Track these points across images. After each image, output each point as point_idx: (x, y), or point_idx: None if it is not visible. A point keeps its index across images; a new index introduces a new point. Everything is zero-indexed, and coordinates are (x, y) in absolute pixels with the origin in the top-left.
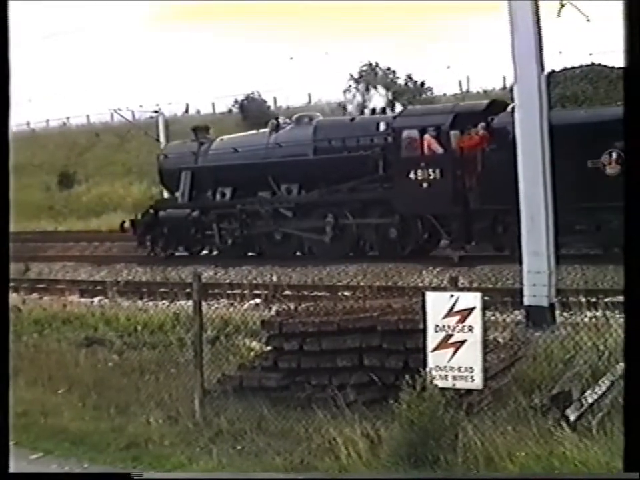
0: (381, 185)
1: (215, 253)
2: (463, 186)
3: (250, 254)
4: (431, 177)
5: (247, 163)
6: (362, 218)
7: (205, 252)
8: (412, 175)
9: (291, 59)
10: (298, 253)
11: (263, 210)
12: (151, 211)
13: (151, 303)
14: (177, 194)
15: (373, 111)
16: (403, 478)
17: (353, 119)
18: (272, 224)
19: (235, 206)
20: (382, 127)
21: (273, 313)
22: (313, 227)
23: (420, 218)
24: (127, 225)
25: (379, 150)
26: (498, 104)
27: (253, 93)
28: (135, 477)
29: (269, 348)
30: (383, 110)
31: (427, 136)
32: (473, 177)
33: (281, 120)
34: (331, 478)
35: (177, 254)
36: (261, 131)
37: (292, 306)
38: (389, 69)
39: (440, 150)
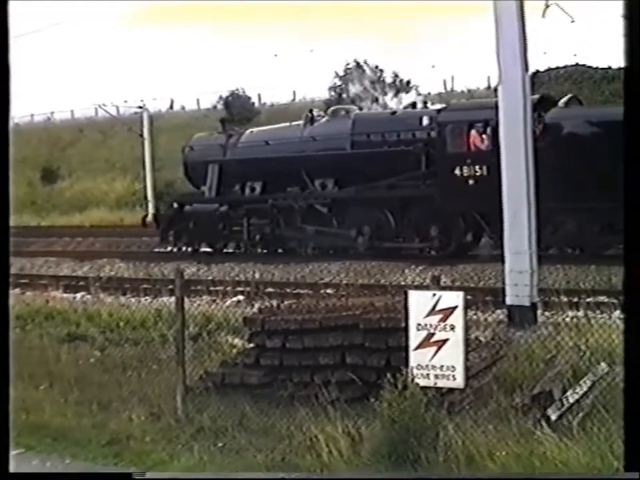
0: (423, 181)
1: (242, 249)
2: None
3: (280, 250)
4: (478, 174)
5: (280, 157)
6: (402, 215)
7: (229, 249)
8: (457, 171)
9: (275, 55)
10: (331, 251)
11: (297, 205)
12: (175, 205)
13: (133, 299)
14: (204, 188)
15: (414, 105)
16: (401, 478)
17: (394, 113)
18: (306, 220)
19: (267, 201)
20: (425, 121)
21: (255, 310)
22: (349, 224)
23: (463, 216)
24: (149, 219)
25: (422, 145)
26: (547, 99)
27: (237, 90)
28: (136, 477)
29: (251, 345)
30: (413, 104)
31: (474, 131)
32: None
33: (315, 112)
34: (331, 478)
35: (200, 250)
36: (294, 123)
37: (274, 303)
38: (376, 67)
39: (488, 145)
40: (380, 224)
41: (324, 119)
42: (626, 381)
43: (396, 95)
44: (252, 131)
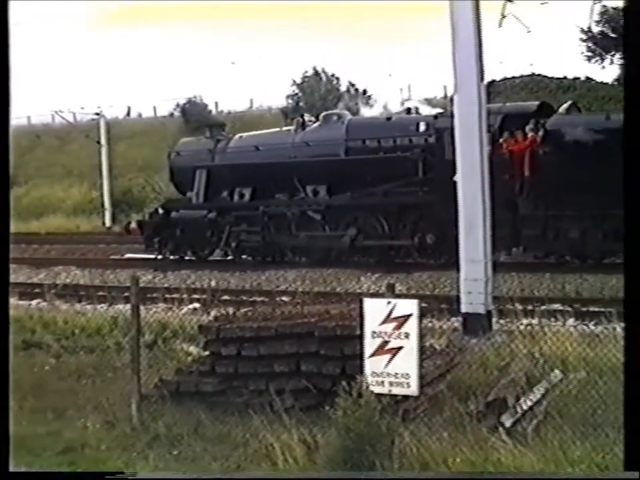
0: (421, 188)
1: (229, 257)
2: (512, 190)
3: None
4: None
5: (271, 162)
6: (397, 222)
7: (217, 257)
8: (456, 178)
9: (233, 63)
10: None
11: (289, 212)
12: (160, 211)
13: (89, 307)
14: (190, 194)
15: (408, 110)
16: (401, 478)
17: (389, 118)
18: (298, 227)
19: (258, 207)
20: (422, 127)
21: (211, 317)
22: (343, 232)
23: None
24: (133, 225)
25: (419, 151)
26: (548, 105)
27: (194, 97)
28: (137, 477)
29: (206, 353)
30: (407, 110)
31: None
32: (523, 181)
33: (306, 117)
34: (331, 477)
35: (186, 258)
36: (285, 128)
37: (230, 311)
38: (333, 75)
39: (488, 151)
40: (375, 231)
41: (315, 125)
42: (626, 382)
43: (353, 103)
44: (241, 136)
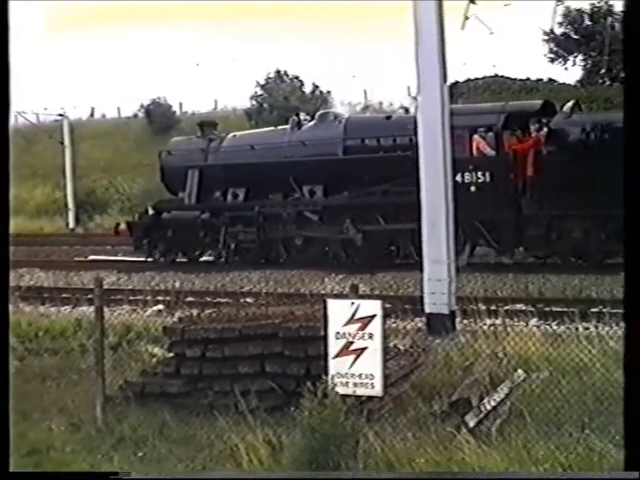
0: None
1: (222, 258)
2: (515, 190)
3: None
4: (481, 180)
5: (266, 162)
6: (396, 222)
7: (209, 258)
8: (459, 178)
9: (197, 64)
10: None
11: (285, 213)
12: (151, 212)
13: (53, 309)
14: (182, 194)
15: (406, 110)
16: (401, 478)
17: (388, 117)
18: (294, 228)
19: (253, 208)
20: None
21: (175, 319)
22: (341, 233)
23: (462, 224)
24: (122, 227)
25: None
26: (551, 104)
27: (158, 98)
28: (137, 477)
29: (171, 354)
30: (406, 109)
31: (476, 136)
32: (527, 181)
33: (301, 116)
34: (331, 478)
35: (177, 260)
36: (280, 127)
37: (194, 312)
38: (296, 77)
39: (491, 151)
40: (373, 232)
41: (311, 123)
42: (626, 382)
43: (317, 105)
44: (235, 135)
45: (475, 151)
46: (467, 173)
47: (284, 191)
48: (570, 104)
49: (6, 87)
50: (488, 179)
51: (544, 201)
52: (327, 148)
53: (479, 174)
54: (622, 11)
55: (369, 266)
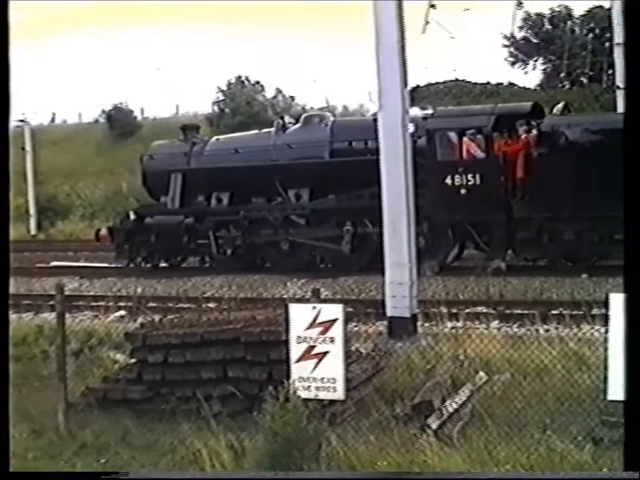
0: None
1: (207, 264)
2: (506, 193)
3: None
4: (470, 183)
5: (251, 165)
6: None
7: (193, 264)
8: (448, 181)
9: (158, 69)
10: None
11: (272, 217)
12: (132, 217)
13: (14, 315)
14: (165, 198)
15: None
16: (401, 478)
17: (375, 120)
18: (280, 232)
19: (238, 212)
20: (411, 128)
21: (137, 325)
22: (329, 237)
23: (451, 227)
24: (103, 232)
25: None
26: (540, 107)
27: (120, 103)
28: (137, 477)
29: (133, 360)
30: None
31: (465, 138)
32: (518, 183)
33: (286, 119)
34: (332, 478)
35: (161, 265)
36: (264, 130)
37: (156, 318)
38: (257, 82)
39: (481, 154)
40: (361, 236)
41: (296, 126)
42: (626, 382)
43: (279, 110)
44: (218, 139)
45: (464, 154)
46: (456, 176)
47: (269, 195)
48: (560, 106)
49: (6, 87)
50: (478, 181)
51: (535, 203)
52: (313, 151)
53: (469, 176)
54: (622, 11)
55: (358, 270)
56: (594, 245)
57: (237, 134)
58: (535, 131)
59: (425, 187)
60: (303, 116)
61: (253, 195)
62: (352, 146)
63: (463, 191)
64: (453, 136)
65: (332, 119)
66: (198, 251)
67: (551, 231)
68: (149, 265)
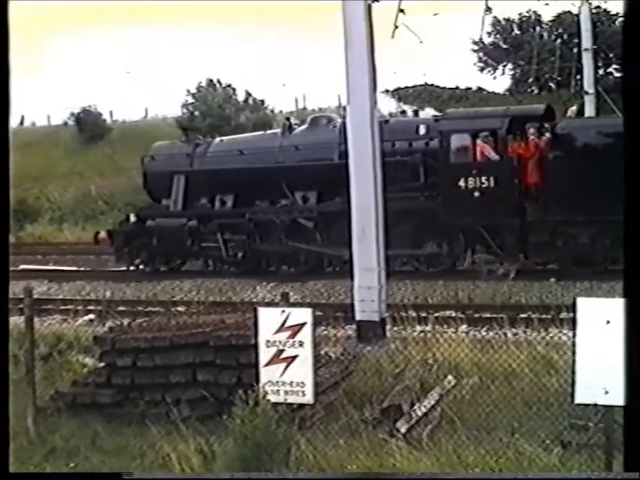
0: (421, 193)
1: (210, 267)
2: (520, 195)
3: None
4: (484, 185)
5: (257, 167)
6: (395, 229)
7: (194, 267)
8: (462, 183)
9: (128, 72)
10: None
11: (279, 220)
12: (133, 219)
13: None
14: (167, 201)
15: (402, 113)
16: (400, 478)
17: (386, 121)
18: (288, 235)
19: (244, 215)
20: (422, 130)
21: (106, 328)
22: (336, 239)
23: (462, 230)
24: (102, 235)
25: (420, 155)
26: (552, 109)
27: (89, 106)
28: (137, 477)
29: (102, 364)
30: (402, 113)
31: (479, 140)
32: (532, 186)
33: (292, 121)
34: (333, 478)
35: (162, 269)
36: (270, 132)
37: (125, 322)
38: (229, 85)
39: (495, 156)
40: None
41: (303, 128)
42: (626, 383)
43: (250, 113)
44: (222, 140)
45: (478, 156)
46: (470, 178)
47: (274, 197)
48: (574, 108)
49: (6, 87)
50: (492, 184)
51: (550, 206)
52: (322, 153)
53: (483, 179)
54: (622, 15)
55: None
56: (606, 249)
57: (242, 135)
58: (548, 134)
59: (436, 188)
60: (310, 117)
61: (258, 197)
62: None
63: (476, 194)
64: (467, 138)
65: (340, 120)
66: (202, 254)
67: (565, 234)
68: (148, 269)
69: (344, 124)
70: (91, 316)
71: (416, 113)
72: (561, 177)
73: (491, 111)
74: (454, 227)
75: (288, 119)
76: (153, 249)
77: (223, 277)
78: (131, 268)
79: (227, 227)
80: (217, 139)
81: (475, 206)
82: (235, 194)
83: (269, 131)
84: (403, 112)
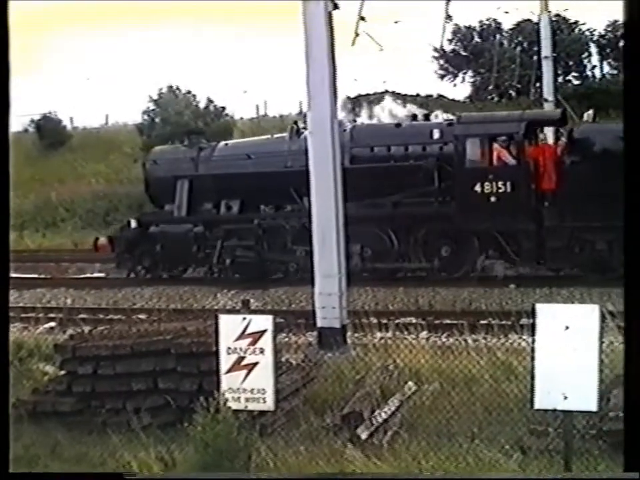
0: (435, 198)
1: (215, 274)
2: (537, 200)
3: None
4: (501, 190)
5: (264, 172)
6: (407, 234)
7: (198, 274)
8: (478, 188)
9: (88, 79)
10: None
11: (288, 225)
12: (134, 225)
13: None
14: (170, 206)
15: (414, 117)
16: (402, 478)
17: (398, 125)
18: (297, 241)
19: (252, 220)
20: (436, 134)
21: (66, 336)
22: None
23: (478, 235)
24: (102, 241)
25: (434, 160)
26: (567, 114)
27: (49, 113)
28: (137, 477)
29: (62, 372)
30: (414, 116)
31: (496, 145)
32: (549, 191)
33: (300, 124)
34: (332, 478)
35: (164, 276)
36: (277, 136)
37: (86, 329)
38: (189, 92)
39: (512, 160)
40: (381, 244)
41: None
42: (626, 383)
43: (210, 119)
44: (227, 144)
45: (494, 160)
46: (486, 183)
47: (282, 202)
48: (591, 112)
49: (6, 87)
50: (509, 189)
51: (567, 212)
52: None
53: (500, 183)
54: (623, 19)
55: (369, 280)
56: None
57: (247, 139)
58: (564, 138)
59: (451, 193)
60: None
61: (265, 202)
62: (374, 152)
63: (493, 199)
64: (484, 142)
65: (349, 123)
66: (207, 260)
67: (582, 240)
68: (149, 276)
69: (354, 127)
70: (52, 324)
71: (427, 117)
72: (577, 182)
73: (507, 115)
74: (468, 231)
75: (295, 122)
76: (157, 256)
77: (184, 284)
78: (132, 275)
79: (234, 232)
80: (222, 143)
81: (491, 211)
82: (242, 199)
83: (276, 135)
84: (414, 116)
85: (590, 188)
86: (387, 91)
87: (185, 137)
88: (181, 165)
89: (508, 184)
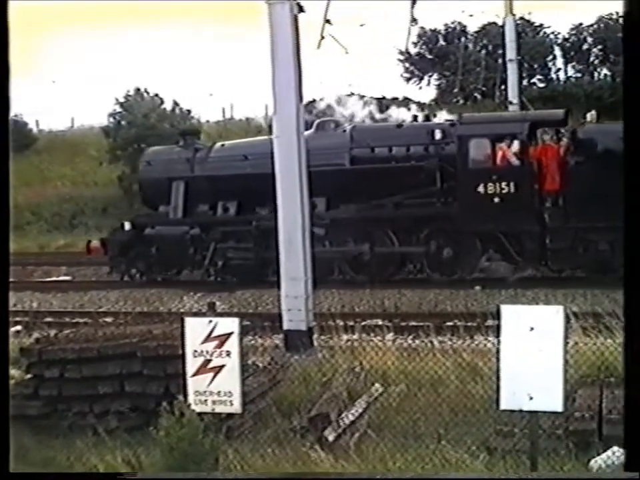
0: (438, 199)
1: (212, 276)
2: (541, 201)
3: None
4: (505, 191)
5: (262, 173)
6: (409, 235)
7: (195, 277)
8: (481, 189)
9: (54, 82)
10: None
11: None
12: (127, 227)
13: None
14: (165, 208)
15: (414, 118)
16: (402, 478)
17: (399, 126)
18: None
19: (250, 222)
20: (438, 135)
21: (32, 340)
22: (350, 247)
23: (480, 236)
24: (94, 244)
25: (437, 160)
26: (571, 113)
27: (15, 116)
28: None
29: (29, 376)
30: (414, 117)
31: (499, 145)
32: (552, 192)
33: None
34: (331, 478)
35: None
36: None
37: (52, 333)
38: (156, 94)
39: (516, 161)
40: (383, 245)
41: (309, 132)
42: (626, 382)
43: (176, 122)
44: (223, 145)
45: (498, 161)
46: (489, 184)
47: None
48: (594, 113)
49: (6, 87)
50: (513, 189)
51: (571, 213)
52: (331, 158)
53: (503, 184)
54: (622, 16)
55: (379, 281)
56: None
57: (244, 140)
58: (566, 139)
59: (454, 194)
60: (316, 121)
61: (263, 203)
62: (374, 152)
63: (496, 200)
64: (487, 143)
65: (348, 124)
66: (204, 262)
67: (586, 241)
68: (144, 279)
69: (354, 128)
70: (18, 327)
71: (427, 117)
72: (581, 182)
73: (510, 115)
74: (471, 232)
75: None
76: (152, 259)
77: (150, 287)
78: (126, 278)
79: (231, 234)
80: (218, 144)
81: (494, 212)
82: (239, 200)
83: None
84: (415, 117)
85: (594, 188)
86: (352, 94)
87: (152, 140)
88: (176, 166)
89: (511, 184)
